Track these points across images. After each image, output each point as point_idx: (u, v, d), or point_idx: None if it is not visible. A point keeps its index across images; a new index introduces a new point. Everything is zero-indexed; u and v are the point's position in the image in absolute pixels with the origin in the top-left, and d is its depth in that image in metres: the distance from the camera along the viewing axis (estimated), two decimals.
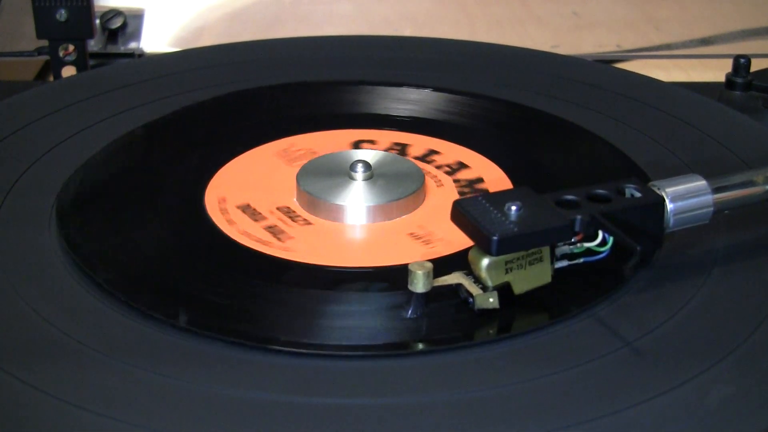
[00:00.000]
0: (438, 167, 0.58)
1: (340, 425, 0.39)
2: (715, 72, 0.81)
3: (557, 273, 0.46)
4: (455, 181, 0.57)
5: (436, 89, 0.67)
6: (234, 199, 0.55)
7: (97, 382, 0.41)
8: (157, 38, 0.93)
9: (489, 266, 0.44)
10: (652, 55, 0.94)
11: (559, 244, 0.45)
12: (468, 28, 0.99)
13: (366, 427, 0.39)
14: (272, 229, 0.52)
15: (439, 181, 0.57)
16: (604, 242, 0.46)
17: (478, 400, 0.40)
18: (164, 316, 0.45)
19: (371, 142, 0.61)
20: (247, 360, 0.42)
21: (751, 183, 0.50)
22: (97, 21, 0.85)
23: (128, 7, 0.89)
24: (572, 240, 0.45)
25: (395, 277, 0.47)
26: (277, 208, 0.54)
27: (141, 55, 0.86)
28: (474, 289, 0.44)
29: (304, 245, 0.51)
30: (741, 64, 0.70)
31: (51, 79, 0.81)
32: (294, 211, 0.54)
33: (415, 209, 0.54)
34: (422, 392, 0.41)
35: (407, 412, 0.40)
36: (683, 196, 0.48)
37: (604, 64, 0.84)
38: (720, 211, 0.49)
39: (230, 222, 0.53)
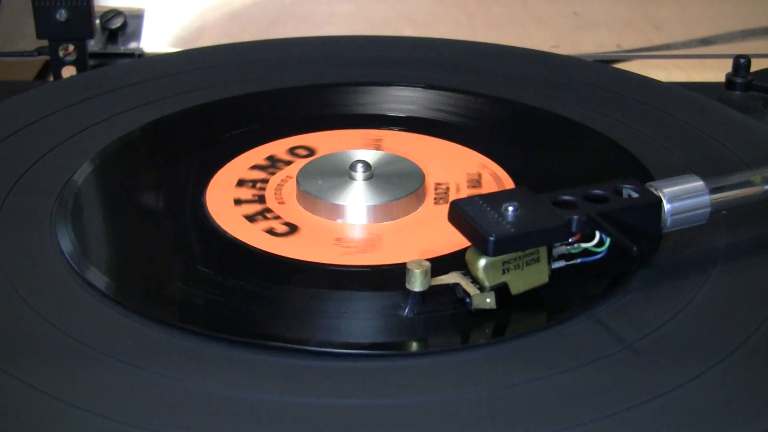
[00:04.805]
0: None
1: (339, 425, 0.39)
2: (715, 72, 0.81)
3: (555, 273, 0.46)
4: None
5: (435, 89, 0.67)
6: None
7: (97, 382, 0.41)
8: (157, 38, 0.93)
9: (486, 266, 0.44)
10: (652, 55, 0.94)
11: (556, 244, 0.45)
12: (468, 28, 0.99)
13: (365, 427, 0.39)
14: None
15: None
16: (601, 243, 0.46)
17: (476, 400, 0.40)
18: (163, 316, 0.45)
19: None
20: (247, 360, 0.42)
21: (748, 183, 0.50)
22: (97, 21, 0.85)
23: (128, 7, 0.89)
24: (569, 240, 0.45)
25: (394, 276, 0.47)
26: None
27: (141, 55, 0.86)
28: (471, 289, 0.44)
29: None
30: (741, 64, 0.70)
31: (51, 79, 0.81)
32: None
33: (415, 209, 0.54)
34: (419, 393, 0.41)
35: (405, 412, 0.40)
36: (680, 197, 0.48)
37: (604, 64, 0.84)
38: (718, 211, 0.49)
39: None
